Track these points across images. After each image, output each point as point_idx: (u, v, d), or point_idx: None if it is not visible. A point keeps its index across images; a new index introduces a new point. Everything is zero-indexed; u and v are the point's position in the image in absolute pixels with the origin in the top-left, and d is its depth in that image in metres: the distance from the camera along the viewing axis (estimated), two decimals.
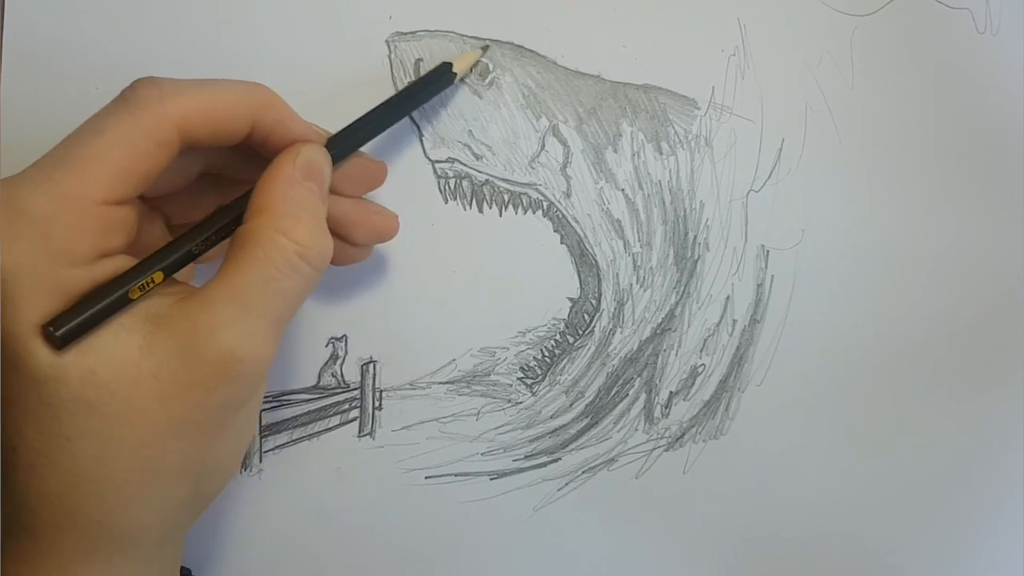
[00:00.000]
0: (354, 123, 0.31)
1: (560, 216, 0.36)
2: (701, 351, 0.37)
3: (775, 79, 0.37)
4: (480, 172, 0.35)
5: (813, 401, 0.38)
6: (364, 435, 0.36)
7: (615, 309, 0.37)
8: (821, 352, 0.38)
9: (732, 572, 0.38)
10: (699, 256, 0.37)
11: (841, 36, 0.37)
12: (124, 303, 0.25)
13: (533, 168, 0.36)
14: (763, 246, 0.37)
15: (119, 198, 0.25)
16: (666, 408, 0.37)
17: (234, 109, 0.27)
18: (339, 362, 0.35)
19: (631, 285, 0.37)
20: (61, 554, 0.26)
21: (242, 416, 0.28)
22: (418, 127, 0.35)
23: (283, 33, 0.34)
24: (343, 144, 0.30)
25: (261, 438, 0.35)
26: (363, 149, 0.31)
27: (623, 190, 0.36)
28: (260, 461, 0.35)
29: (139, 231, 0.27)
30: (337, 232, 0.30)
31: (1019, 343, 0.39)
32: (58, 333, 0.24)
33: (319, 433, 0.36)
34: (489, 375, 0.36)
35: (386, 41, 0.34)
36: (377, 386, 0.36)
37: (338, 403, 0.36)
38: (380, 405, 0.36)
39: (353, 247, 0.32)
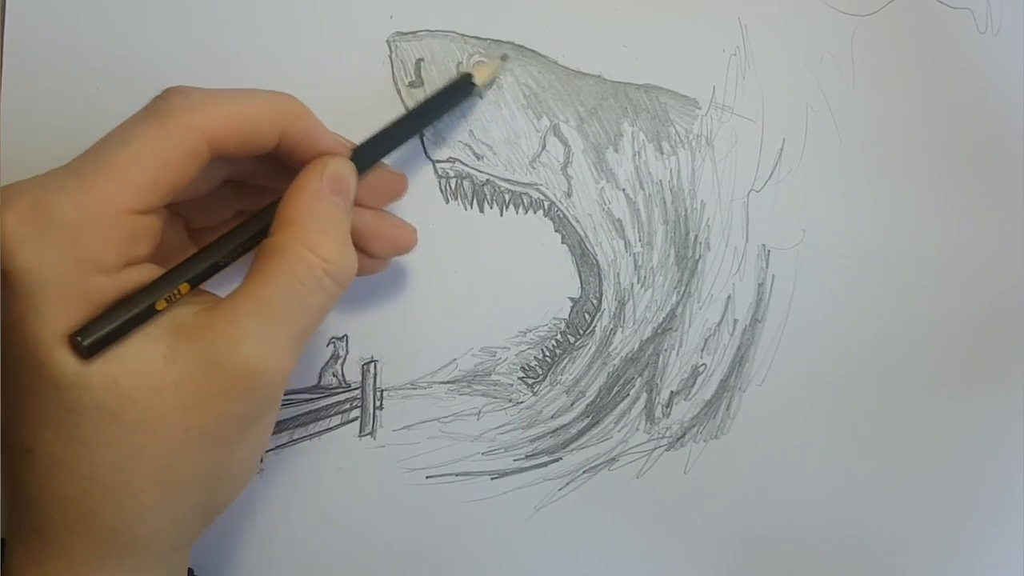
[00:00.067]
0: (377, 134, 0.31)
1: (561, 216, 0.36)
2: (702, 351, 0.37)
3: (776, 79, 0.37)
4: (481, 172, 0.35)
5: (814, 401, 0.38)
6: (365, 435, 0.36)
7: (616, 309, 0.37)
8: (822, 352, 0.38)
9: (732, 572, 0.38)
10: (700, 256, 0.37)
11: (842, 36, 0.37)
12: (151, 314, 0.25)
13: (534, 168, 0.36)
14: (764, 246, 0.37)
15: (147, 207, 0.25)
16: (667, 408, 0.37)
17: (263, 120, 0.27)
18: (340, 362, 0.35)
19: (632, 285, 0.37)
20: (72, 557, 0.26)
21: (259, 428, 0.28)
22: None
23: (283, 33, 0.34)
24: (367, 156, 0.30)
25: None
26: None
27: (624, 190, 0.36)
28: (261, 461, 0.35)
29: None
30: (356, 244, 0.30)
31: (1019, 343, 0.39)
32: (85, 343, 0.24)
33: (320, 433, 0.36)
34: (490, 375, 0.36)
35: (387, 41, 0.34)
36: (378, 386, 0.36)
37: (339, 403, 0.35)
38: (381, 405, 0.36)
39: (371, 259, 0.32)
